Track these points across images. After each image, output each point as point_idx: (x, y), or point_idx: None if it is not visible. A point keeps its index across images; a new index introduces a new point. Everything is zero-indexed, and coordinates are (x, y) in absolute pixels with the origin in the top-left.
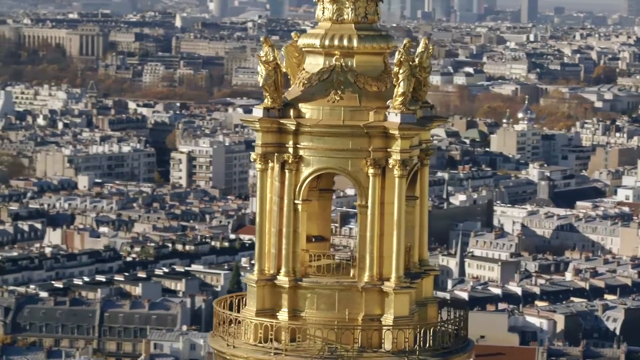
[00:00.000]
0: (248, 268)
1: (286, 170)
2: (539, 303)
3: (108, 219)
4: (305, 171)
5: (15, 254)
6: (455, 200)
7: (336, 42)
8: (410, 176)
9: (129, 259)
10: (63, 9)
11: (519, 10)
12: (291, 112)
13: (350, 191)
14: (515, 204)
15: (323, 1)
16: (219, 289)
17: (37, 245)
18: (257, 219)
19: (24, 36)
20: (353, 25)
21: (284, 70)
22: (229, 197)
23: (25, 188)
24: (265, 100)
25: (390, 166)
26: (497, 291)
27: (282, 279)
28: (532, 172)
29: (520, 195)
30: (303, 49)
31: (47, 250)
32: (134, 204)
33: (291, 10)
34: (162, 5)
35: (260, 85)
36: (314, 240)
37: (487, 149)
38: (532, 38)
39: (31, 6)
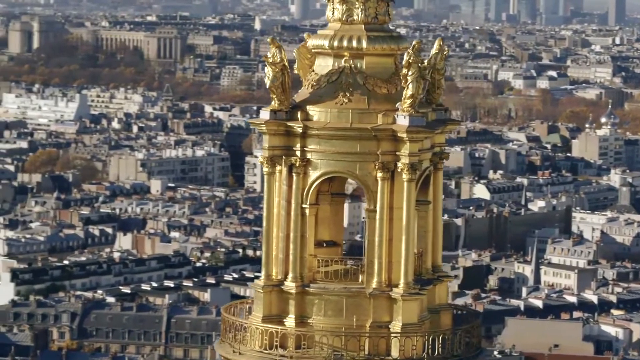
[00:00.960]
0: None
1: (294, 174)
2: (615, 312)
3: (180, 223)
4: (313, 174)
5: (83, 258)
6: (534, 206)
7: (345, 43)
8: (423, 180)
9: (198, 264)
10: (143, 11)
11: (606, 13)
12: (299, 115)
13: None
14: (595, 211)
15: (333, 2)
16: None
17: (108, 250)
18: (264, 223)
19: (101, 39)
20: (363, 26)
21: (295, 71)
22: None
23: (97, 192)
24: (273, 103)
25: (399, 170)
26: (573, 299)
27: (289, 285)
28: (614, 178)
29: (600, 201)
30: (313, 50)
31: (116, 255)
32: (207, 209)
33: None
34: (243, 8)
35: (267, 87)
36: (325, 245)
37: (569, 154)
38: (617, 41)
39: (111, 9)
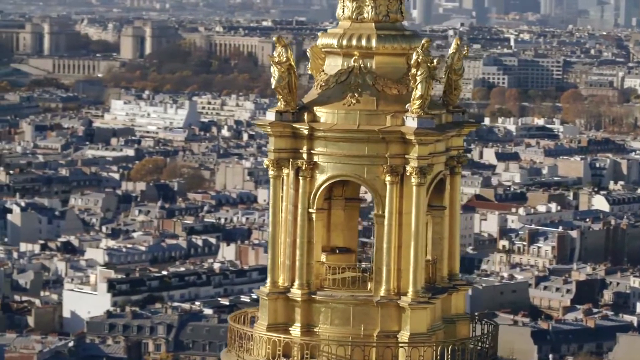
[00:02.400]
0: None
1: (300, 177)
2: None
3: None
4: (320, 178)
5: (182, 269)
6: None
7: (354, 42)
8: (438, 185)
9: None
10: (259, 16)
11: None
12: (305, 116)
13: (542, 207)
14: None
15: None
16: None
17: (210, 260)
18: (270, 229)
19: (215, 44)
20: (373, 24)
21: (308, 71)
22: None
23: (203, 201)
24: (279, 104)
25: (408, 174)
26: None
27: (295, 292)
28: None
29: None
30: (322, 50)
31: (216, 266)
32: None
33: (498, 18)
34: None
35: (273, 87)
36: (337, 251)
37: None
38: None
39: (227, 14)
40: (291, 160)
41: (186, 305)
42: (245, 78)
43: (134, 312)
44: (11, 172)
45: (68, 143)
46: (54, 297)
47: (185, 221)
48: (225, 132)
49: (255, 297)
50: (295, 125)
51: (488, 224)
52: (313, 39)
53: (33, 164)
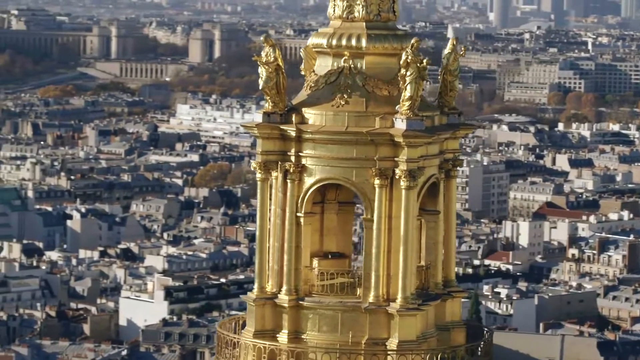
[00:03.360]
0: (490, 296)
1: (288, 180)
2: None
3: None
4: (308, 181)
5: (242, 277)
6: None
7: (344, 42)
8: (431, 189)
9: None
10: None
11: None
12: (293, 118)
13: (614, 215)
14: None
15: None
16: None
17: None
18: (257, 233)
19: (285, 48)
20: (364, 23)
21: (301, 72)
22: (482, 220)
23: None
24: (266, 105)
25: (397, 177)
26: None
27: (283, 298)
28: None
29: None
30: (313, 50)
31: None
32: None
33: (577, 21)
34: (438, 16)
35: (260, 88)
36: (330, 257)
37: None
38: None
39: (300, 17)
40: (280, 162)
41: (243, 314)
42: None
43: (190, 321)
44: (73, 177)
45: (132, 148)
46: (111, 304)
47: (248, 228)
48: None
49: None
50: (282, 126)
51: (558, 232)
52: None
53: (95, 169)
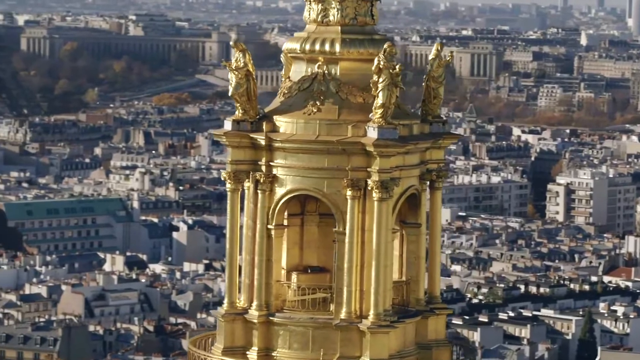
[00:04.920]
0: (605, 314)
1: (259, 191)
2: None
3: (464, 256)
4: (279, 192)
5: None
6: None
7: (317, 47)
8: (412, 200)
9: (475, 300)
10: (465, 24)
11: None
12: (264, 126)
13: None
14: None
15: (310, 1)
16: (569, 337)
17: None
18: (227, 246)
19: (410, 55)
20: (339, 27)
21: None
22: (605, 235)
23: None
24: (236, 112)
25: (370, 188)
26: None
27: (253, 314)
28: None
29: None
30: (288, 55)
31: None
32: (497, 241)
33: None
34: (574, 22)
35: (230, 94)
36: (310, 271)
37: None
38: None
39: (430, 22)
40: (251, 172)
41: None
42: None
43: None
44: (181, 187)
45: None
46: (212, 320)
47: None
48: None
49: None
50: (252, 135)
51: None
52: (515, 49)
53: (205, 180)
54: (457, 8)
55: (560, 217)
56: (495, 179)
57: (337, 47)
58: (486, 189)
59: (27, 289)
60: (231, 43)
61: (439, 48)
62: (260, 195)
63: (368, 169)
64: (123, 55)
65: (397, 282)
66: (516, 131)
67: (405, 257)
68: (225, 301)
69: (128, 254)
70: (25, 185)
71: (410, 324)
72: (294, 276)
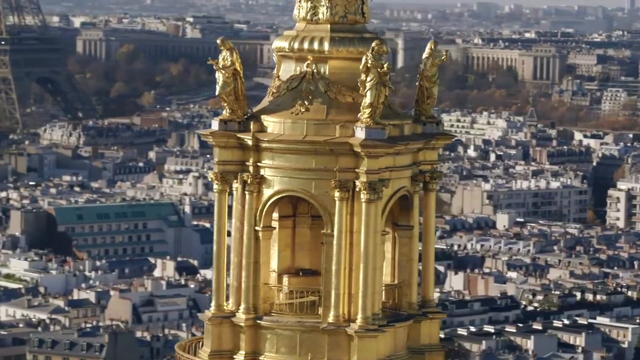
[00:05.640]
0: None
1: (246, 192)
2: None
3: (521, 262)
4: (267, 193)
5: None
6: None
7: (306, 45)
8: (404, 202)
9: (529, 308)
10: (528, 27)
11: None
12: (252, 126)
13: None
14: None
15: None
16: (625, 345)
17: (437, 289)
18: (215, 247)
19: (472, 57)
20: (328, 25)
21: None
22: None
23: (436, 226)
24: (224, 112)
25: (358, 189)
26: None
27: (240, 317)
28: None
29: None
30: (278, 54)
31: (435, 296)
32: (555, 247)
33: None
34: None
35: (217, 94)
36: (301, 274)
37: None
38: None
39: (494, 25)
40: (239, 173)
41: None
42: (503, 94)
43: None
44: None
45: None
46: None
47: None
48: (471, 152)
49: (474, 329)
50: (239, 135)
51: None
52: (578, 52)
53: None
54: (522, 10)
55: (620, 223)
56: (555, 184)
57: (326, 46)
58: (545, 195)
59: (76, 295)
60: (218, 41)
61: (433, 46)
62: (247, 197)
63: (356, 170)
64: (180, 58)
65: (389, 285)
66: (578, 135)
67: (397, 260)
68: (213, 304)
69: (179, 259)
70: (77, 189)
71: (401, 328)
72: (285, 279)
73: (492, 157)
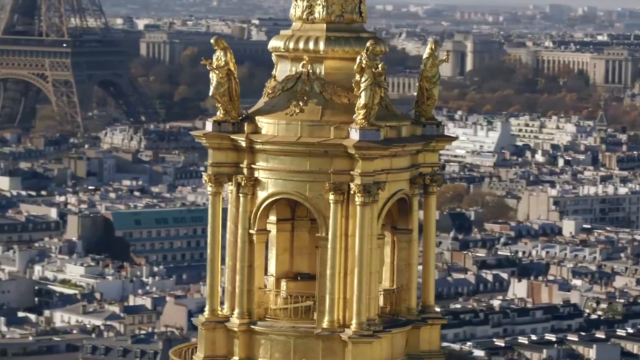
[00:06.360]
0: None
1: (240, 195)
2: None
3: (586, 270)
4: (261, 195)
5: (458, 306)
6: None
7: (301, 45)
8: (402, 205)
9: (593, 316)
10: (602, 29)
11: None
12: (246, 127)
13: None
14: None
15: None
16: None
17: (500, 297)
18: (208, 251)
19: (542, 61)
20: (324, 25)
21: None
22: None
23: (500, 232)
24: (217, 113)
25: (352, 192)
26: None
27: (233, 322)
28: None
29: None
30: (273, 53)
31: (496, 304)
32: (622, 254)
33: None
34: None
35: (211, 94)
36: (299, 278)
37: None
38: None
39: (567, 27)
40: (234, 175)
41: (455, 346)
42: (573, 98)
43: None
44: None
45: None
46: None
47: (478, 254)
48: (539, 157)
49: (535, 338)
50: (233, 136)
51: None
52: None
53: None
54: (595, 12)
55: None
56: (623, 190)
57: (322, 46)
58: (613, 201)
59: (132, 301)
60: (212, 41)
61: (433, 47)
62: (242, 199)
63: (351, 172)
64: (245, 60)
65: (387, 290)
66: None
67: (396, 265)
68: (207, 309)
69: None
70: (137, 193)
71: (398, 333)
72: (283, 283)
73: (561, 162)
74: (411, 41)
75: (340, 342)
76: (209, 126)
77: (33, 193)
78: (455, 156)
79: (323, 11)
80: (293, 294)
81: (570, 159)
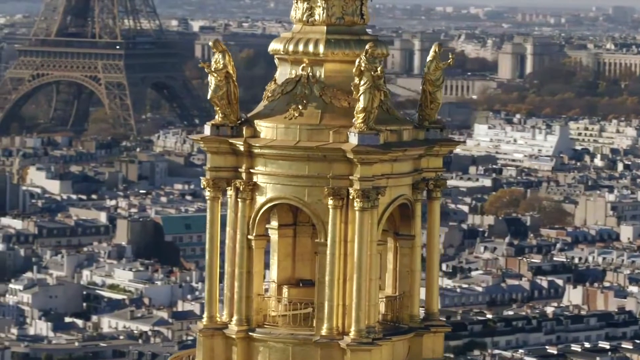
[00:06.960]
0: None
1: (239, 200)
2: None
3: None
4: (260, 201)
5: (510, 313)
6: None
7: (301, 48)
8: (404, 211)
9: None
10: None
11: None
12: (244, 131)
13: None
14: None
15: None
16: None
17: (555, 304)
18: (207, 256)
19: (603, 63)
20: (325, 27)
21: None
22: None
23: (556, 238)
24: (216, 116)
25: (351, 197)
26: None
27: (232, 329)
28: None
29: None
30: (273, 56)
31: (549, 311)
32: None
33: None
34: None
35: (209, 98)
36: (301, 285)
37: None
38: None
39: (630, 29)
40: (233, 180)
41: (507, 353)
42: (635, 102)
43: None
44: None
45: None
46: None
47: (533, 260)
48: (598, 162)
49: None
50: (231, 140)
51: None
52: None
53: None
54: None
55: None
56: None
57: (321, 48)
58: None
59: (180, 306)
60: (210, 43)
61: (437, 49)
62: (240, 204)
63: (350, 177)
64: None
65: (389, 297)
66: None
67: (399, 271)
68: (205, 315)
69: None
70: (188, 198)
71: (399, 341)
72: (284, 290)
73: (620, 166)
74: (470, 43)
75: (339, 350)
76: (207, 130)
77: (83, 197)
78: (513, 160)
79: (323, 13)
80: (294, 301)
81: (629, 163)
